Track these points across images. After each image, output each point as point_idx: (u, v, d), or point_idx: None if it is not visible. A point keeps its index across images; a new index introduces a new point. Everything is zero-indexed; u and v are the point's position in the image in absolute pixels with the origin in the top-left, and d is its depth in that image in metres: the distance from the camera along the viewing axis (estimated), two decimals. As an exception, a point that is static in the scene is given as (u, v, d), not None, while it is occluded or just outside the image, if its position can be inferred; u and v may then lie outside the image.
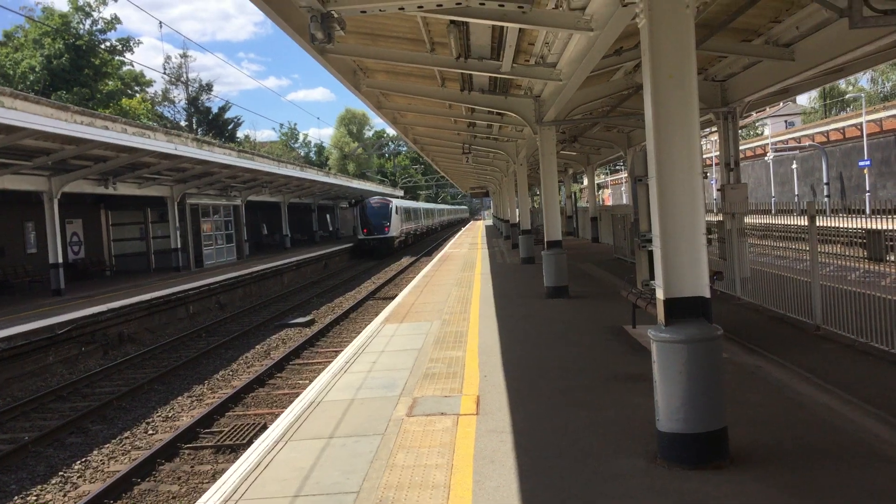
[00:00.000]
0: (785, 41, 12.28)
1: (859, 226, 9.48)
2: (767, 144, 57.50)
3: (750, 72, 14.28)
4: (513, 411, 7.38)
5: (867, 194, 41.07)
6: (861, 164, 43.14)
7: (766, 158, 55.87)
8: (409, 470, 5.92)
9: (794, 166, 52.83)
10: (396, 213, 51.54)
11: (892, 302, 8.50)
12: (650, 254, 6.21)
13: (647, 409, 7.02)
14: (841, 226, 9.86)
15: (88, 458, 11.00)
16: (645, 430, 6.40)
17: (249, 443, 10.56)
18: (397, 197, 65.02)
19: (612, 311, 13.54)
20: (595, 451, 6.14)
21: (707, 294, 5.57)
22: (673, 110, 5.55)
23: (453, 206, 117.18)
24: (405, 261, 46.11)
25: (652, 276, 6.01)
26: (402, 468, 5.97)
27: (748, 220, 14.37)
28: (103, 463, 10.79)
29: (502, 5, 8.74)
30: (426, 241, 70.19)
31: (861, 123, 44.36)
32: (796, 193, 52.53)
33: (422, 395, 8.31)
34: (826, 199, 43.90)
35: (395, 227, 50.88)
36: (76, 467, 10.61)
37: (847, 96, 69.63)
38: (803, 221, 10.88)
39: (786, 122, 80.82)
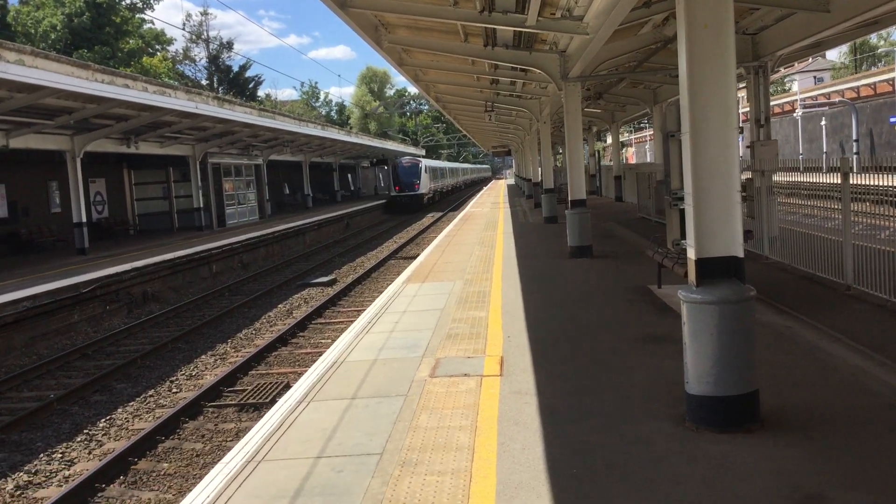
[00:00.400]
0: (820, -9, 11.83)
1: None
2: (796, 101, 56.40)
3: (783, 24, 13.83)
4: (537, 373, 7.27)
5: (898, 151, 40.26)
6: (892, 119, 42.16)
7: (794, 115, 54.80)
8: (433, 431, 5.84)
9: (823, 123, 51.78)
10: (426, 172, 55.32)
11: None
12: (682, 212, 6.01)
13: (674, 371, 6.89)
14: (876, 183, 9.54)
15: (113, 415, 11.07)
16: (672, 393, 6.26)
17: (273, 401, 10.56)
18: (423, 157, 67.19)
19: (637, 271, 13.34)
20: (621, 413, 6.02)
21: (740, 254, 5.38)
22: (708, 62, 5.30)
23: (476, 166, 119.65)
24: (427, 220, 46.09)
25: (683, 236, 5.81)
26: (425, 430, 5.89)
27: (777, 177, 14.07)
28: (128, 421, 10.86)
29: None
30: (451, 199, 71.37)
31: (893, 78, 43.29)
32: (825, 150, 51.55)
33: (445, 355, 8.22)
34: (855, 156, 43.06)
35: (425, 185, 55.07)
36: (101, 425, 10.68)
37: (879, 51, 67.81)
38: (836, 179, 10.58)
39: (815, 77, 79.04)
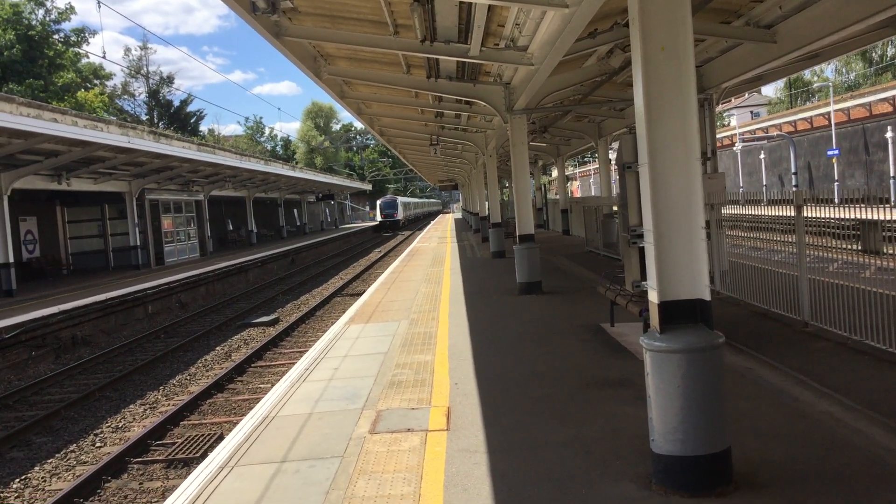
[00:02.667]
0: (766, 22, 11.71)
1: (852, 215, 8.87)
2: (735, 134, 57.48)
3: (728, 56, 13.73)
4: (487, 426, 6.67)
5: (836, 184, 41.07)
6: (830, 153, 43.12)
7: (733, 148, 55.81)
8: (371, 502, 5.18)
9: (762, 156, 52.84)
10: (401, 205, 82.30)
11: (892, 297, 7.92)
12: (641, 251, 5.51)
13: (634, 420, 6.38)
14: (832, 216, 9.27)
15: (29, 475, 10.21)
16: (635, 448, 5.73)
17: (204, 455, 9.83)
18: (399, 195, 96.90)
19: (589, 308, 12.92)
20: (580, 474, 5.44)
21: (707, 296, 4.89)
22: (666, 87, 4.86)
23: (430, 200, 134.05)
24: (374, 255, 45.59)
25: (643, 276, 5.31)
26: (362, 500, 5.22)
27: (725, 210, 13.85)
28: (45, 480, 10.01)
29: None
30: (413, 224, 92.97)
31: (829, 113, 44.34)
32: (764, 183, 52.53)
33: (387, 407, 7.56)
34: (794, 189, 43.86)
35: (400, 213, 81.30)
36: (15, 486, 9.82)
37: (814, 86, 69.85)
38: (789, 211, 10.32)
39: (751, 112, 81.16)
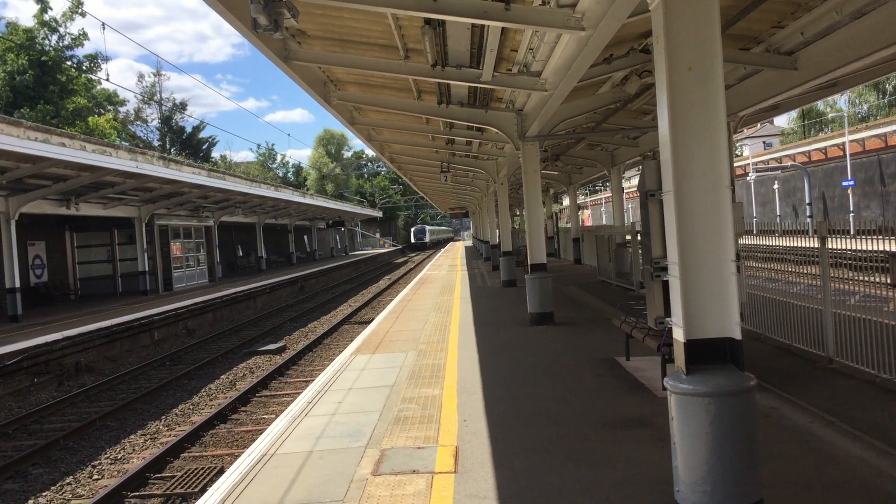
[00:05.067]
0: (787, 49, 11.41)
1: (881, 248, 8.48)
2: (748, 164, 57.13)
3: (746, 84, 13.43)
4: (497, 469, 6.27)
5: (851, 214, 40.57)
6: (845, 183, 42.67)
7: (747, 178, 55.43)
8: (371, 553, 4.80)
9: (776, 186, 52.42)
10: (428, 231, 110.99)
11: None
12: (665, 284, 5.14)
13: (655, 464, 5.98)
14: (858, 248, 8.87)
15: (22, 509, 9.81)
16: (657, 497, 5.32)
17: (203, 490, 9.46)
18: (424, 223, 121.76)
19: (603, 341, 12.52)
20: (598, 525, 5.04)
21: (738, 335, 4.52)
22: (694, 110, 4.53)
23: (443, 228, 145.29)
24: (383, 282, 45.29)
25: (667, 313, 4.94)
26: (362, 551, 4.84)
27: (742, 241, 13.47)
28: (38, 515, 9.62)
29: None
30: (434, 246, 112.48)
31: (844, 143, 43.97)
32: (778, 214, 52.08)
33: (391, 445, 7.17)
34: (809, 220, 43.38)
35: (427, 237, 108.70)
36: (8, 520, 9.42)
37: (827, 117, 69.52)
38: (812, 243, 9.93)
39: (764, 142, 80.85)
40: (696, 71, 4.53)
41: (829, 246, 9.51)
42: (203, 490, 9.53)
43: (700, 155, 4.55)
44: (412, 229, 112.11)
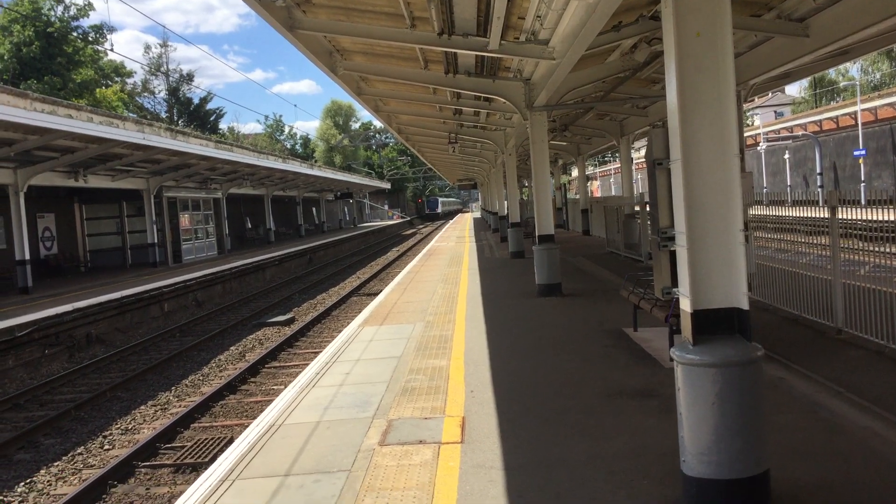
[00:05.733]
0: (799, 15, 11.22)
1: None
2: (759, 134, 56.64)
3: (757, 51, 13.23)
4: (503, 439, 6.28)
5: (862, 184, 40.24)
6: (856, 153, 42.27)
7: (757, 148, 54.97)
8: (377, 523, 4.82)
9: (787, 156, 52.00)
10: (439, 203, 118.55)
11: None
12: (672, 255, 5.10)
13: (661, 435, 5.97)
14: (870, 218, 8.79)
15: (34, 478, 9.96)
16: (662, 466, 5.32)
17: (213, 459, 9.52)
18: (437, 195, 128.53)
19: (610, 312, 12.49)
20: (604, 496, 5.03)
21: (745, 305, 4.47)
22: (702, 76, 4.45)
23: (453, 199, 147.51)
24: (392, 254, 45.32)
25: (675, 283, 4.90)
26: (368, 521, 4.86)
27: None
28: (50, 484, 9.75)
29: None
30: (445, 216, 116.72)
31: (855, 112, 43.49)
32: (788, 184, 51.72)
33: (398, 416, 7.19)
34: (819, 189, 43.07)
35: (439, 208, 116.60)
36: (19, 490, 9.57)
37: (839, 85, 68.71)
38: (823, 213, 9.85)
39: (775, 112, 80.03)
40: (704, 36, 4.44)
41: (840, 216, 9.43)
42: (213, 460, 9.61)
43: (708, 123, 4.47)
44: (426, 200, 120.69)
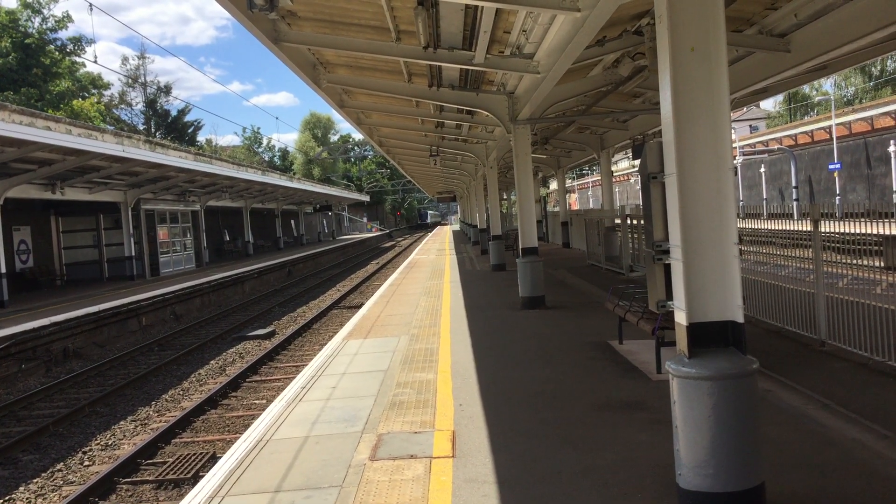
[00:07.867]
0: (780, 31, 11.37)
1: (876, 231, 8.49)
2: (735, 148, 57.21)
3: (738, 66, 13.37)
4: (494, 453, 6.25)
5: (837, 198, 40.75)
6: (831, 167, 42.79)
7: (734, 161, 55.47)
8: (372, 539, 4.76)
9: (763, 170, 52.55)
10: (429, 215, 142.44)
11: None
12: (667, 268, 5.12)
13: (652, 447, 5.98)
14: (852, 231, 8.87)
15: (14, 495, 9.80)
16: (656, 479, 5.32)
17: (195, 476, 9.42)
18: (429, 210, 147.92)
19: (595, 324, 12.53)
20: (600, 509, 5.03)
21: (740, 318, 4.50)
22: (697, 91, 4.49)
23: (437, 212, 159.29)
24: (371, 267, 45.19)
25: (669, 296, 4.91)
26: (362, 536, 4.81)
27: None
28: (29, 502, 9.63)
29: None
30: (429, 227, 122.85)
31: (830, 126, 44.07)
32: (764, 197, 52.23)
33: (388, 430, 7.14)
34: (795, 203, 43.54)
35: (428, 219, 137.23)
36: (-3, 507, 9.35)
37: (813, 100, 69.67)
38: (799, 226, 9.95)
39: (750, 126, 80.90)
40: (698, 51, 4.49)
41: (822, 229, 9.52)
42: (195, 475, 9.50)
43: (703, 136, 4.51)
44: (419, 212, 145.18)
